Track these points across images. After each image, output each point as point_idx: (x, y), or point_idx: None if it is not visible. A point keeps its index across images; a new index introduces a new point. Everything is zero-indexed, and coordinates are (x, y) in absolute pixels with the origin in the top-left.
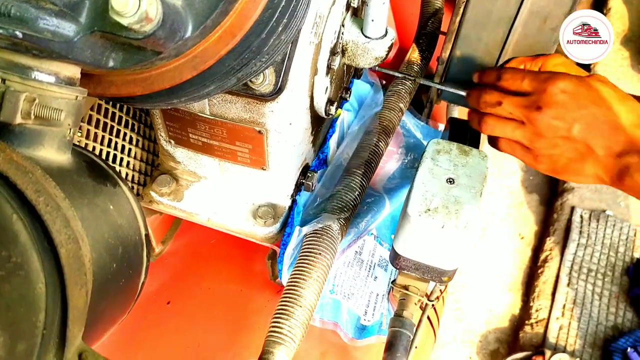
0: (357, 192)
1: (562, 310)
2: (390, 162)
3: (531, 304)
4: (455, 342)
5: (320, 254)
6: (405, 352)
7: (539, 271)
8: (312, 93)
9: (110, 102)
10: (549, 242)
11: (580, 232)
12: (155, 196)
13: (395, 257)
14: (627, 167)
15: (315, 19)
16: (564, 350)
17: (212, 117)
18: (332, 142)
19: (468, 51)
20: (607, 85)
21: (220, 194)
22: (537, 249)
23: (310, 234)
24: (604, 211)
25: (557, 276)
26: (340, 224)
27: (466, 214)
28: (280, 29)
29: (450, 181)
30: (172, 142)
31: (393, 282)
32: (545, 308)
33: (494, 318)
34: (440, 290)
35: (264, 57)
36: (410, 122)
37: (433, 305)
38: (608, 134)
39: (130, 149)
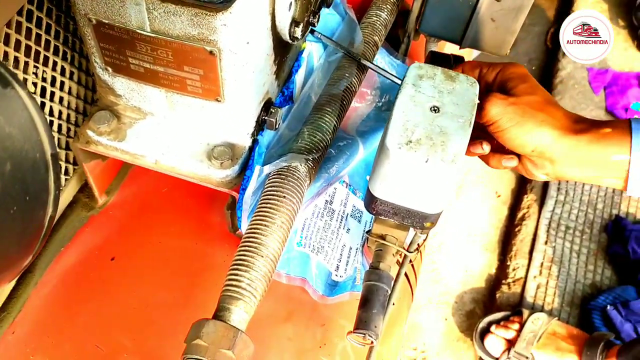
0: (327, 133)
1: (540, 268)
2: (363, 104)
3: (508, 263)
4: (430, 303)
5: (284, 197)
6: (382, 308)
7: (516, 229)
8: (273, 9)
9: (34, 21)
10: (526, 200)
11: (558, 189)
12: (93, 135)
13: (371, 201)
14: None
15: None
16: (542, 310)
17: (154, 35)
18: (299, 77)
19: None
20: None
21: (169, 132)
22: (514, 207)
23: (274, 174)
24: None
25: (535, 234)
26: (308, 165)
27: (453, 145)
28: None
29: (435, 109)
30: (110, 69)
31: (368, 232)
32: (523, 267)
33: (470, 278)
34: (419, 244)
35: None
36: (384, 61)
37: (411, 260)
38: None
39: (62, 82)
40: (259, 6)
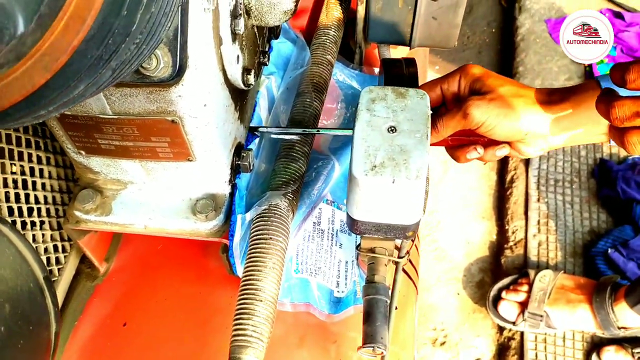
0: (300, 161)
1: (538, 226)
2: (331, 121)
3: (506, 227)
4: (440, 282)
5: (271, 238)
6: (385, 319)
7: (508, 193)
8: (222, 66)
9: None
10: (512, 162)
11: None
12: (81, 215)
13: (352, 223)
14: None
15: None
16: (547, 266)
17: (117, 117)
18: (262, 111)
19: None
20: None
21: (151, 196)
22: (502, 171)
23: (257, 218)
24: None
25: (527, 194)
26: (288, 199)
27: (415, 161)
28: (145, 0)
29: (392, 129)
30: (83, 152)
31: (357, 247)
32: (521, 228)
33: (473, 249)
34: (408, 250)
35: (137, 38)
36: (344, 73)
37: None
38: None
39: (41, 169)
40: (208, 69)
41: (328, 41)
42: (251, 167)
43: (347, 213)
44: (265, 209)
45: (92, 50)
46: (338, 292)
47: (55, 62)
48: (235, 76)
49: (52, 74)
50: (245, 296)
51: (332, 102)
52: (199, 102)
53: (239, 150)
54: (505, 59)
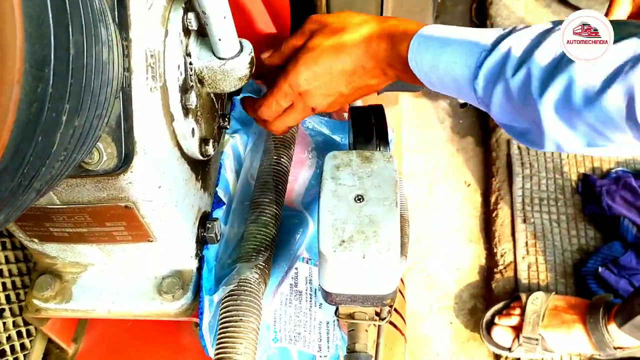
0: (270, 225)
1: (526, 247)
2: (303, 171)
3: (495, 250)
4: (432, 312)
5: (241, 320)
6: None
7: (493, 215)
8: (177, 141)
9: None
10: (495, 183)
11: (522, 164)
12: (40, 303)
13: (326, 296)
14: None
15: (147, 60)
16: (539, 288)
17: (66, 206)
18: (228, 173)
19: None
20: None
21: (113, 278)
22: (486, 192)
23: (225, 297)
24: None
25: (512, 215)
26: (259, 269)
27: (386, 232)
28: (65, 117)
29: (359, 199)
30: (35, 240)
31: (336, 312)
32: (510, 251)
33: (463, 275)
34: (389, 310)
35: (61, 155)
36: (313, 120)
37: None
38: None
39: None
40: (160, 149)
41: None
42: (218, 238)
43: (319, 285)
44: (233, 287)
45: (6, 183)
46: (320, 356)
47: None
48: (192, 149)
49: None
50: None
51: (302, 151)
52: (152, 185)
53: (205, 220)
54: None
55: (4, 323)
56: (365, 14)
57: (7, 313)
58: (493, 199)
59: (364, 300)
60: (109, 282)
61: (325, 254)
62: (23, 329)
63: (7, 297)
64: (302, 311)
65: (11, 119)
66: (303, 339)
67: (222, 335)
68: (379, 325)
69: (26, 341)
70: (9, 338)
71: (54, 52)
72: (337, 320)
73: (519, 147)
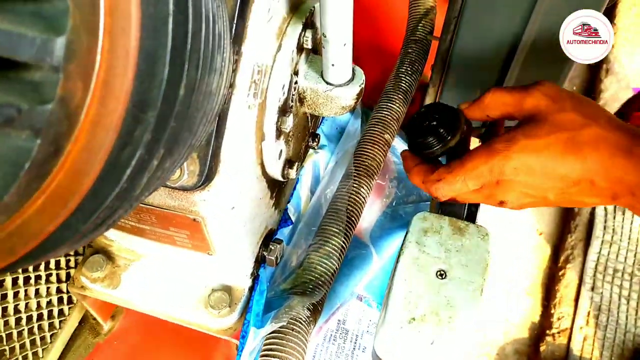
0: (334, 258)
1: (587, 318)
2: (378, 200)
3: (552, 312)
4: (470, 357)
5: None
6: None
7: (560, 273)
8: (262, 160)
9: None
10: (570, 240)
11: (605, 228)
12: (87, 282)
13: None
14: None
15: (253, 76)
16: None
17: None
18: (303, 190)
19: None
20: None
21: (164, 276)
22: (558, 246)
23: (271, 334)
24: None
25: (580, 279)
26: (311, 307)
27: (462, 322)
28: (157, 161)
29: (441, 274)
30: None
31: None
32: (568, 316)
33: (512, 328)
34: None
35: (144, 195)
36: (402, 148)
37: None
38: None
39: None
40: (243, 169)
41: (389, 117)
42: (278, 262)
43: (373, 349)
44: (282, 325)
45: (78, 224)
46: None
47: (23, 246)
48: (275, 171)
49: (15, 258)
50: None
51: (382, 177)
52: (226, 206)
53: (268, 240)
54: None
55: (48, 288)
56: (612, 114)
57: (54, 278)
58: (563, 257)
59: None
60: (158, 279)
61: (392, 326)
62: (65, 296)
63: (57, 262)
64: (344, 352)
65: (98, 168)
66: None
67: None
68: None
69: (65, 308)
70: (49, 303)
71: (162, 93)
72: None
73: (605, 209)
